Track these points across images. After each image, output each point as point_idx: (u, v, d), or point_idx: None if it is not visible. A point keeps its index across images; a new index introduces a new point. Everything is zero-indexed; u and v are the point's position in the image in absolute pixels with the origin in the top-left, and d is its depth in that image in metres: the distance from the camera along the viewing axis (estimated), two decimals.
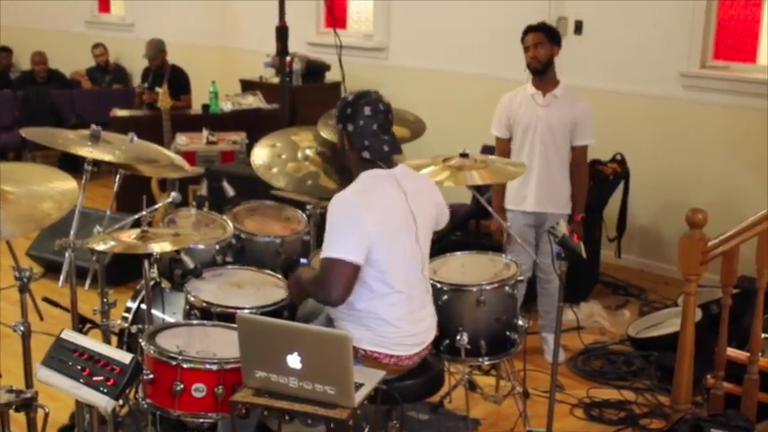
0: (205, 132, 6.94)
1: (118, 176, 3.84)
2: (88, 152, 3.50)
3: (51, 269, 6.27)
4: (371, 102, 3.35)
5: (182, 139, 6.98)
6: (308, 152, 4.44)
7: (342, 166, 4.22)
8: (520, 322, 4.08)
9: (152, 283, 3.97)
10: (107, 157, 3.58)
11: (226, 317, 3.61)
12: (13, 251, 3.25)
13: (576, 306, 5.90)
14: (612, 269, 6.73)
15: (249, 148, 6.67)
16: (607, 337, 5.70)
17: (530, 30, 5.13)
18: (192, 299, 3.73)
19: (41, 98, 10.03)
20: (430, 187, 3.62)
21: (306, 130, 4.56)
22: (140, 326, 4.02)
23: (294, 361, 2.87)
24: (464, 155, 4.30)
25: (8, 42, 11.43)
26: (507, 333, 4.05)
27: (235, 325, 3.43)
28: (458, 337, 3.90)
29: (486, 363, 4.19)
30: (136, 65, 9.78)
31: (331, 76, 8.35)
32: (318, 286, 3.31)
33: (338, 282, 3.21)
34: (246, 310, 3.64)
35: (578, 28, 7.01)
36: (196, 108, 8.06)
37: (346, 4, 8.93)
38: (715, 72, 6.51)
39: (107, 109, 8.22)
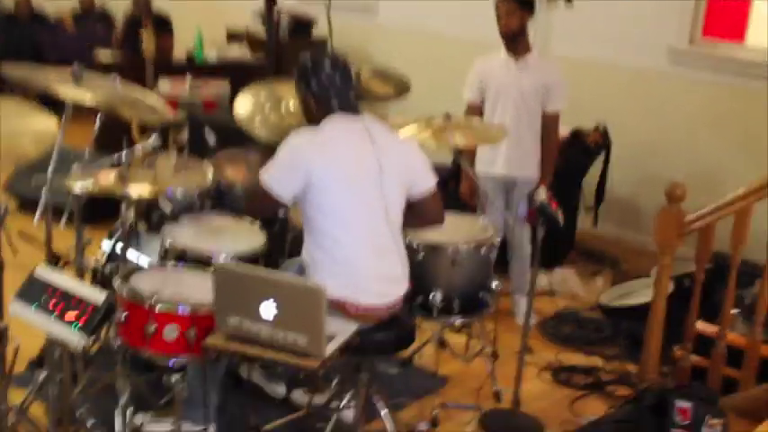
0: (188, 79, 6.89)
1: (98, 118, 3.81)
2: (69, 92, 3.46)
3: (27, 206, 6.24)
4: (329, 56, 3.47)
5: (165, 86, 6.93)
6: (292, 105, 4.41)
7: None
8: (494, 284, 4.11)
9: (128, 224, 3.97)
10: (87, 98, 3.54)
11: (201, 261, 3.61)
12: None
13: (549, 271, 5.94)
14: (589, 237, 6.76)
15: (232, 97, 6.64)
16: (579, 303, 5.75)
17: None
18: (169, 242, 3.72)
19: (24, 38, 9.90)
20: (407, 147, 3.61)
21: (290, 82, 4.52)
22: (115, 265, 4.02)
23: (267, 309, 2.89)
24: (447, 116, 4.31)
25: None
26: (480, 294, 4.08)
27: (210, 269, 3.46)
28: (431, 296, 3.93)
29: (458, 322, 4.21)
30: (121, 9, 9.67)
31: (318, 32, 8.29)
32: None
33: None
34: (223, 255, 3.64)
35: None
36: (180, 56, 7.97)
37: None
38: (703, 49, 6.50)
39: (92, 52, 8.12)
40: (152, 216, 3.87)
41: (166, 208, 3.83)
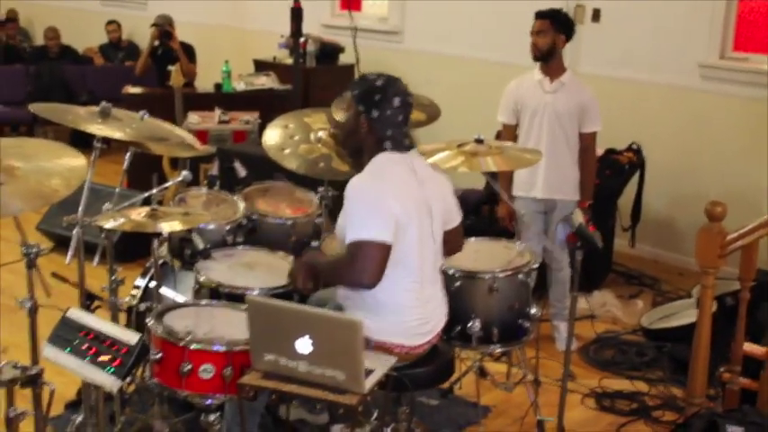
0: (217, 111, 6.88)
1: (128, 154, 3.79)
2: (98, 129, 3.44)
3: (61, 244, 6.20)
4: (401, 93, 3.28)
5: (193, 118, 6.93)
6: (321, 134, 4.37)
7: (355, 149, 4.17)
8: (533, 311, 4.03)
9: (161, 262, 3.93)
10: (117, 135, 3.52)
11: (235, 297, 3.56)
12: (21, 227, 3.20)
13: (588, 295, 5.83)
14: (626, 258, 6.67)
15: (261, 128, 6.62)
16: (619, 326, 5.65)
17: (537, 15, 5.08)
18: (202, 279, 3.68)
19: (54, 74, 10.01)
20: (443, 179, 3.52)
21: (319, 111, 4.50)
22: (149, 304, 3.98)
23: (304, 345, 2.82)
24: (479, 140, 4.23)
25: (23, 17, 11.38)
26: (520, 321, 3.99)
27: (244, 306, 3.40)
28: (469, 324, 3.85)
29: (499, 350, 4.12)
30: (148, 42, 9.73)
31: (345, 59, 8.28)
32: (348, 271, 3.19)
33: (370, 264, 3.12)
34: (256, 292, 3.59)
35: (596, 15, 6.93)
36: (208, 87, 7.98)
37: None
38: (734, 63, 6.42)
39: (119, 86, 8.15)
40: (185, 252, 3.81)
41: (199, 244, 3.77)
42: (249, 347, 2.98)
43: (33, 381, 2.71)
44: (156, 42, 8.22)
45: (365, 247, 3.11)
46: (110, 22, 10.51)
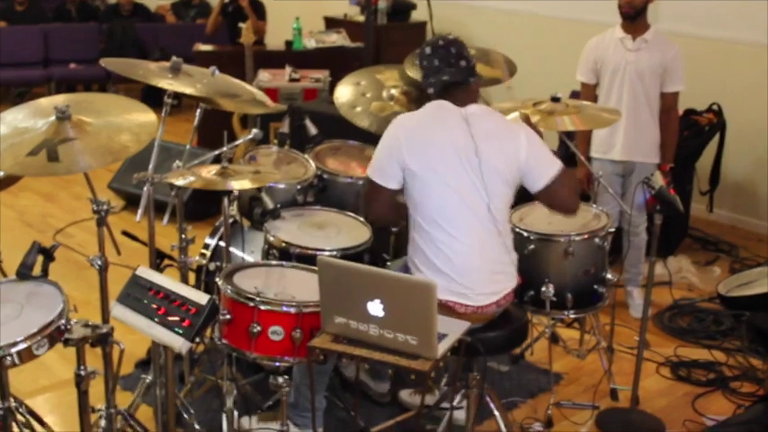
0: (288, 69, 6.82)
1: (198, 110, 3.74)
2: (168, 84, 3.40)
3: (132, 203, 6.28)
4: (431, 42, 3.39)
5: (264, 76, 6.88)
6: (394, 91, 4.28)
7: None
8: (608, 276, 3.92)
9: (231, 221, 3.90)
10: (188, 90, 3.48)
11: (305, 258, 3.50)
12: (91, 183, 3.17)
13: (664, 260, 5.69)
14: (703, 224, 6.49)
15: (332, 86, 6.55)
16: (695, 293, 5.49)
17: None
18: (272, 238, 3.63)
19: (126, 32, 10.08)
20: (512, 134, 3.32)
21: (392, 68, 4.39)
22: (218, 263, 3.95)
23: (375, 308, 2.75)
24: (556, 99, 4.12)
25: None
26: (595, 286, 3.90)
27: (314, 267, 3.34)
28: (543, 289, 3.77)
29: (572, 316, 4.02)
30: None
31: (416, 16, 8.15)
32: (363, 201, 3.56)
33: (374, 201, 3.37)
34: (326, 252, 3.53)
35: None
36: (279, 44, 7.92)
37: None
38: None
39: (191, 44, 8.15)
40: (254, 212, 3.76)
41: (269, 203, 3.72)
42: (319, 309, 2.93)
43: (103, 339, 2.68)
44: (227, 0, 8.18)
45: (371, 186, 3.34)
46: None
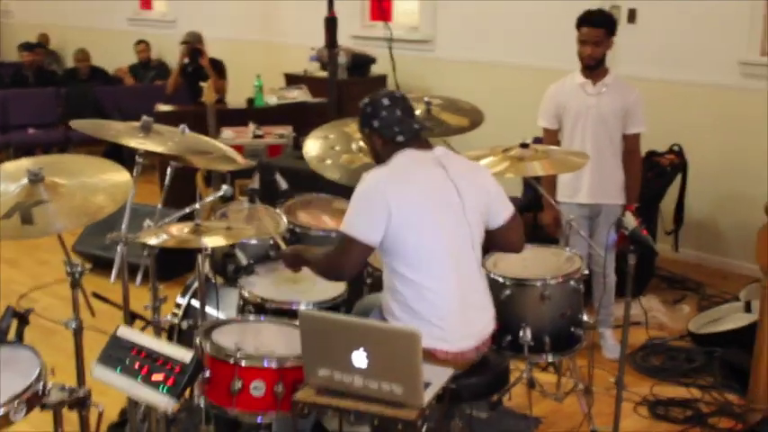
0: (251, 126, 6.85)
1: (169, 169, 3.73)
2: (140, 143, 3.39)
3: (98, 265, 6.21)
4: (386, 94, 3.39)
5: (227, 134, 6.89)
6: (362, 143, 4.29)
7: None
8: (584, 318, 3.94)
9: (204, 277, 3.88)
10: (160, 149, 3.47)
11: (281, 313, 3.49)
12: (65, 245, 3.13)
13: (633, 301, 5.70)
14: (669, 263, 6.55)
15: (296, 141, 6.58)
16: (666, 332, 5.52)
17: (589, 23, 4.92)
18: (247, 294, 3.61)
19: (85, 95, 10.07)
20: (481, 173, 3.44)
21: (355, 119, 4.42)
22: (190, 322, 3.92)
23: (359, 358, 2.74)
24: (524, 145, 4.16)
25: (54, 41, 11.48)
26: (572, 329, 3.91)
27: (289, 321, 3.34)
28: (521, 333, 3.77)
29: (551, 359, 4.02)
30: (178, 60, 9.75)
31: (376, 69, 8.22)
32: (329, 260, 3.29)
33: (348, 260, 3.20)
34: (302, 306, 3.52)
35: (632, 16, 6.83)
36: (240, 102, 7.94)
37: None
38: None
39: (151, 105, 8.14)
40: (228, 268, 3.74)
41: (243, 259, 3.71)
42: (301, 362, 2.90)
43: (82, 402, 2.64)
44: (186, 60, 8.20)
45: (347, 242, 3.17)
46: (139, 42, 10.56)
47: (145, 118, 3.54)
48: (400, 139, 3.29)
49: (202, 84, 6.91)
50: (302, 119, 7.21)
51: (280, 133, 6.87)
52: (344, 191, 4.36)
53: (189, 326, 3.96)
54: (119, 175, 3.12)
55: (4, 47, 13.31)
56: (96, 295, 4.09)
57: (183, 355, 2.59)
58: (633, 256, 3.70)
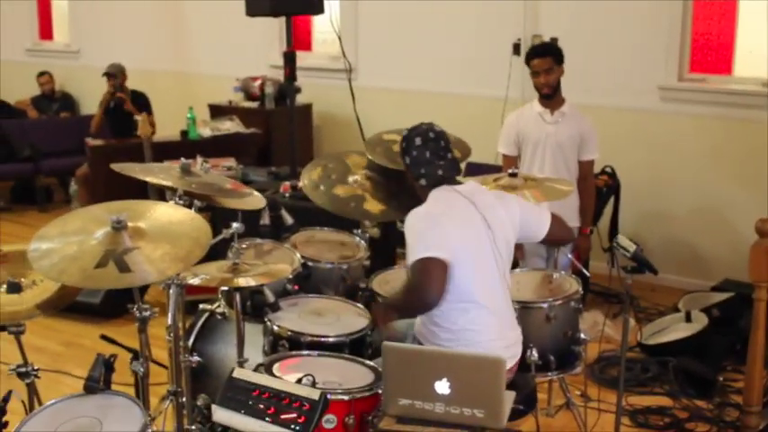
0: (199, 160, 6.82)
1: (193, 209, 3.76)
2: (187, 185, 3.42)
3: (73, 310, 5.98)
4: (421, 132, 3.56)
5: None
6: (359, 177, 4.42)
7: (390, 193, 4.26)
8: (582, 336, 4.18)
9: (208, 315, 3.97)
10: (199, 191, 3.51)
11: (315, 345, 3.59)
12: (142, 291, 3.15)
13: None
14: (601, 279, 6.86)
15: (244, 174, 6.62)
16: (615, 345, 5.80)
17: (537, 54, 5.26)
18: (277, 329, 3.68)
19: None
20: (504, 201, 3.65)
21: (359, 153, 4.55)
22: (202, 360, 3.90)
23: (443, 387, 2.89)
24: (513, 174, 4.39)
25: None
26: (572, 347, 4.14)
27: (339, 354, 3.45)
28: (528, 354, 3.96)
29: (556, 377, 4.25)
30: (83, 92, 9.56)
31: (301, 99, 8.30)
32: (413, 292, 3.36)
33: (429, 280, 3.26)
34: (332, 338, 3.63)
35: None
36: (172, 134, 7.90)
37: (311, 27, 8.91)
38: (692, 84, 6.76)
39: (60, 138, 7.97)
40: (255, 305, 3.82)
41: (270, 296, 3.79)
42: (369, 393, 3.03)
43: None
44: (120, 95, 8.08)
45: (423, 264, 3.26)
46: (41, 74, 10.25)
47: (183, 160, 3.58)
48: (423, 182, 3.51)
49: (137, 117, 6.85)
50: (239, 150, 7.25)
51: (228, 165, 6.89)
52: (333, 220, 4.48)
53: (200, 364, 3.98)
54: (180, 215, 3.13)
55: None
56: (104, 337, 4.07)
57: (309, 392, 2.68)
58: (630, 277, 3.96)
